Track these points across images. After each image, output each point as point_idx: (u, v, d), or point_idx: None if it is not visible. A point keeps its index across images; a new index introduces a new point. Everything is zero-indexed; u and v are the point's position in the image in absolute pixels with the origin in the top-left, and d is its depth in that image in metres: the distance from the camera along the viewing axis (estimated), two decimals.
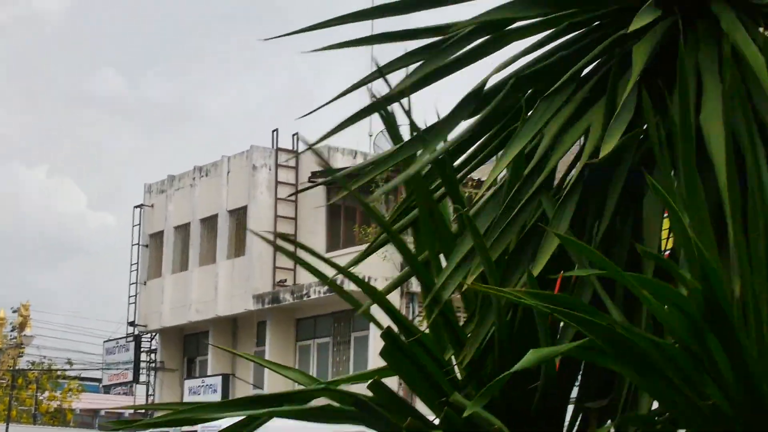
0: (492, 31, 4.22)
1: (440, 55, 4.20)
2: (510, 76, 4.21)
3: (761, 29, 4.31)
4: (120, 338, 43.28)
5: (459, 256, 3.92)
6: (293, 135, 20.79)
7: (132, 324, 41.94)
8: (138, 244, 41.95)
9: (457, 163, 4.41)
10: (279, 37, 4.26)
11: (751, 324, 3.28)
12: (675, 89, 4.03)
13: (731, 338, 3.18)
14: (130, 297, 41.85)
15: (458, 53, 4.26)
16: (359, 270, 4.52)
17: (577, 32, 4.36)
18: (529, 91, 4.13)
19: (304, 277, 35.06)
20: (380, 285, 9.78)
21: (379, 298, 4.14)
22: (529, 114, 4.14)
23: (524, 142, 3.96)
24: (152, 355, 42.01)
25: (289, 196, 35.72)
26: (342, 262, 4.38)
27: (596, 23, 4.41)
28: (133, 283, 41.93)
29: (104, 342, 44.63)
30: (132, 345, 42.23)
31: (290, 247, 4.73)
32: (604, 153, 3.64)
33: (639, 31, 3.97)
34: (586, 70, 4.31)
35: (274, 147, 37.34)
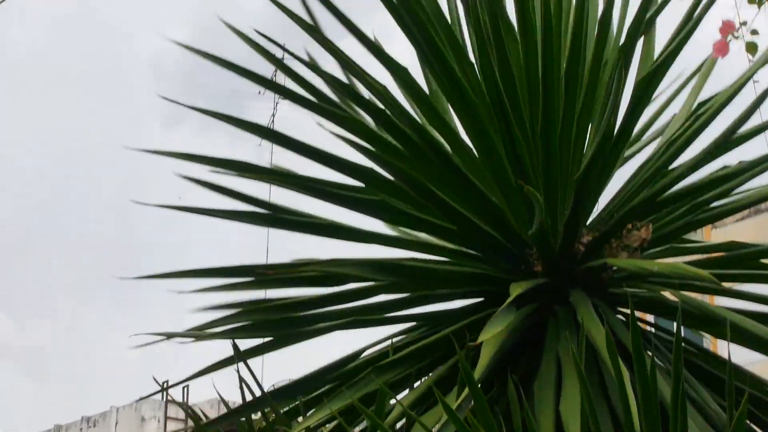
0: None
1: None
2: (366, 364, 4.23)
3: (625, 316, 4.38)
4: None
5: None
6: (163, 383, 20.72)
7: None
8: None
9: None
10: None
11: None
12: (534, 380, 4.08)
13: None
14: None
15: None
16: None
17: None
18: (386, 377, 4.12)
19: None
20: None
21: None
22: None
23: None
24: None
25: None
26: None
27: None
28: None
29: None
30: None
31: None
32: None
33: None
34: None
35: (164, 399, 36.73)
